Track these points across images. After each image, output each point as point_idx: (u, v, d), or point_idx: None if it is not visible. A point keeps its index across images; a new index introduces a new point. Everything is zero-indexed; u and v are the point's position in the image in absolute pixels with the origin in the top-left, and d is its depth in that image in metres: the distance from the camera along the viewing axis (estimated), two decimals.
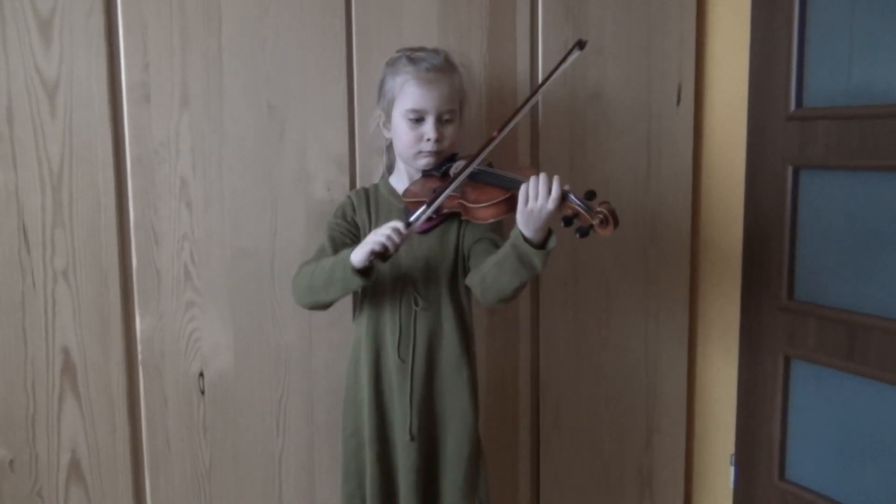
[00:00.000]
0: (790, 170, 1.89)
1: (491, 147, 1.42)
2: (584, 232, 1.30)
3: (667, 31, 2.00)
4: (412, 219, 1.39)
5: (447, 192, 1.40)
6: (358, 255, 1.38)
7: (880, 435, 1.79)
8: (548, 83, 1.45)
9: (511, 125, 1.43)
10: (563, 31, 1.88)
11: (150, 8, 1.53)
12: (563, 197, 1.31)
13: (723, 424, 2.15)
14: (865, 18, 1.77)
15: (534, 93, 1.48)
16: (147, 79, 1.54)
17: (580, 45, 1.42)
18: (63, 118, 1.50)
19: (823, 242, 1.87)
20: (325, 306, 1.52)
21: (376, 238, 1.36)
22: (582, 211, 1.31)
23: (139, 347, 1.60)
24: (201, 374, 1.64)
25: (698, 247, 2.15)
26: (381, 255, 1.37)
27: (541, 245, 1.34)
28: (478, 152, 1.42)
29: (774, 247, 1.94)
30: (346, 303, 1.71)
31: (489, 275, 1.42)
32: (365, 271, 1.40)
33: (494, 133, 1.43)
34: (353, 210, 1.58)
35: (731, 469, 2.12)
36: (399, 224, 1.37)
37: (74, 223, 1.52)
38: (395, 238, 1.36)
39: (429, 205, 1.39)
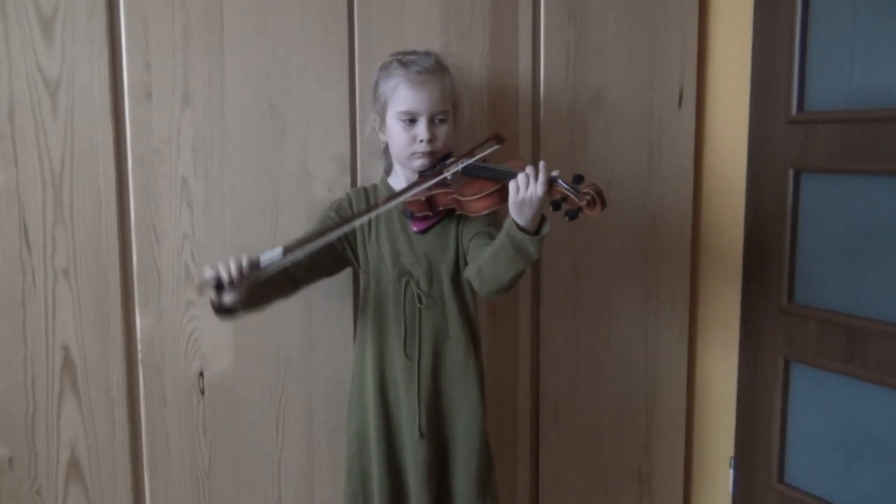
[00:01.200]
0: (791, 173, 1.90)
1: (458, 167, 1.45)
2: (573, 214, 1.32)
3: (669, 33, 2.00)
4: (263, 258, 1.35)
5: (393, 202, 1.44)
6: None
7: (880, 438, 1.79)
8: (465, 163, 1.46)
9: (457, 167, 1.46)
10: (565, 32, 1.88)
11: (151, 7, 1.53)
12: (551, 181, 1.33)
13: (722, 427, 2.15)
14: (867, 22, 1.77)
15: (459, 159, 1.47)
16: (149, 77, 1.54)
17: (498, 139, 1.46)
18: (64, 116, 1.50)
19: (824, 246, 1.87)
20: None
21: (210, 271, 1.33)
22: (570, 194, 1.33)
23: (139, 346, 1.59)
24: (201, 374, 1.64)
25: (699, 249, 2.15)
26: (217, 286, 1.32)
27: (535, 232, 1.35)
28: (443, 170, 1.45)
29: (775, 250, 1.94)
30: (347, 303, 1.72)
31: (486, 266, 1.43)
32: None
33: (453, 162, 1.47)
34: (351, 209, 1.58)
35: (731, 472, 2.12)
36: (244, 256, 1.33)
37: (75, 222, 1.52)
38: (232, 267, 1.31)
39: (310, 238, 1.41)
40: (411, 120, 1.50)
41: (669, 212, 2.06)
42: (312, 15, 1.64)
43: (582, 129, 1.93)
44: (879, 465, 1.79)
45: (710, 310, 2.15)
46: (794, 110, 1.88)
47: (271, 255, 1.36)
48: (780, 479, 1.99)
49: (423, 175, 1.54)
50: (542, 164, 1.34)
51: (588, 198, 1.31)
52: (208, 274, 1.32)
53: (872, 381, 1.76)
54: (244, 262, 1.32)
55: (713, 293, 2.14)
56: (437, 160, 1.52)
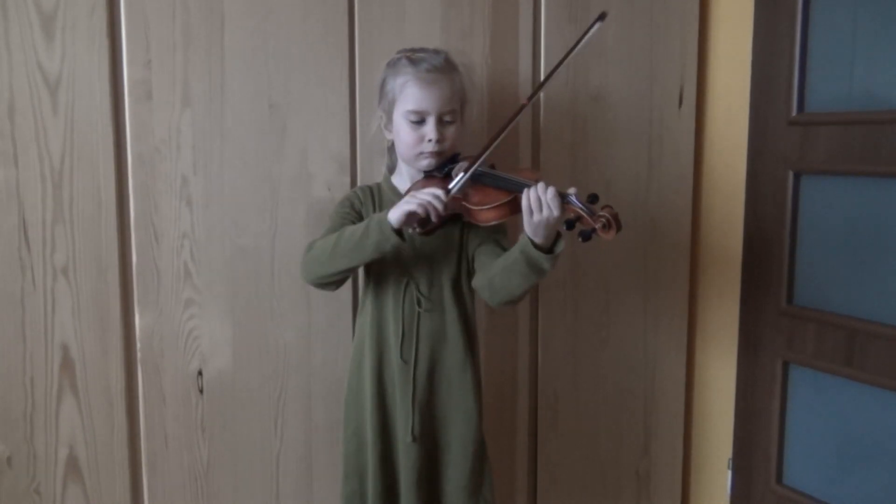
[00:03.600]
0: (791, 174, 1.89)
1: (515, 121, 1.45)
2: (587, 236, 1.31)
3: (669, 33, 2.00)
4: (451, 185, 1.39)
5: (484, 156, 1.42)
6: (395, 215, 1.36)
7: (878, 440, 1.79)
8: (572, 54, 1.47)
9: (537, 94, 1.49)
10: (565, 32, 1.87)
11: (152, 5, 1.53)
12: (566, 201, 1.32)
13: (721, 428, 2.15)
14: (868, 24, 1.77)
15: (560, 62, 1.47)
16: (149, 76, 1.54)
17: (601, 17, 1.46)
18: (64, 115, 1.50)
19: (823, 248, 1.87)
20: (337, 280, 1.48)
21: (418, 199, 1.35)
22: (584, 215, 1.31)
23: (138, 345, 1.59)
24: (200, 373, 1.64)
25: (698, 250, 2.15)
26: (422, 221, 1.36)
27: (549, 249, 1.35)
28: (505, 125, 1.45)
29: (774, 251, 1.94)
30: (346, 303, 1.72)
31: (497, 278, 1.42)
32: (401, 233, 1.38)
33: (524, 101, 1.47)
34: (360, 202, 1.57)
35: (729, 473, 2.12)
36: (439, 191, 1.36)
37: (75, 220, 1.52)
38: (436, 204, 1.35)
39: (466, 171, 1.41)
40: (419, 120, 1.48)
41: (669, 212, 2.06)
42: (313, 14, 1.64)
43: (582, 129, 1.93)
44: (878, 467, 1.80)
45: (710, 311, 2.15)
46: (794, 111, 1.88)
47: (456, 181, 1.40)
48: (779, 480, 1.99)
49: (430, 175, 1.54)
50: (552, 188, 1.33)
51: (603, 220, 1.29)
52: (419, 210, 1.35)
53: (871, 384, 1.76)
54: (442, 196, 1.36)
55: (712, 294, 2.14)
56: (444, 160, 1.52)
